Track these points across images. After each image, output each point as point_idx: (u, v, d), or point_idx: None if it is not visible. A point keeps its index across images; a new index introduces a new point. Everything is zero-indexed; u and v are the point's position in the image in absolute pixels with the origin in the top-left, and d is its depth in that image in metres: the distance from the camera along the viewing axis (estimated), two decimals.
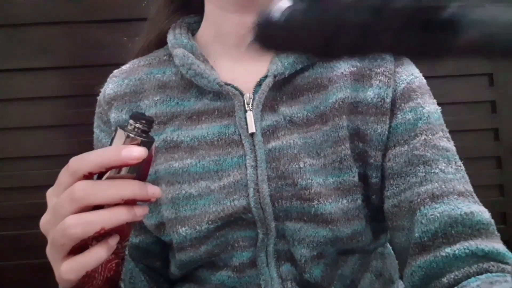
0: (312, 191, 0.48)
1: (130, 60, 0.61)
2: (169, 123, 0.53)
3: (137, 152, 0.34)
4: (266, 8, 0.25)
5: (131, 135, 0.35)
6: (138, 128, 0.36)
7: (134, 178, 0.36)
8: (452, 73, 1.29)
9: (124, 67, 0.60)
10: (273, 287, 0.50)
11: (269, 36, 0.25)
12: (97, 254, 0.35)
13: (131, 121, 0.36)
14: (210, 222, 0.49)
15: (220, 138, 0.51)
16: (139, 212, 0.36)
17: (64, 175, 0.35)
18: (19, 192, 1.21)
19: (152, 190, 0.36)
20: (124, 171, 0.35)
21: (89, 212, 0.34)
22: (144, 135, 0.36)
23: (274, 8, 0.25)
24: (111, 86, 0.57)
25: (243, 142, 0.50)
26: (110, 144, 0.36)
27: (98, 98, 0.59)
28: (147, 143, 0.36)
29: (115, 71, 0.60)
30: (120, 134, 0.36)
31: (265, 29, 0.25)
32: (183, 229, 0.50)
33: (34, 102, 1.22)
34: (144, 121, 0.36)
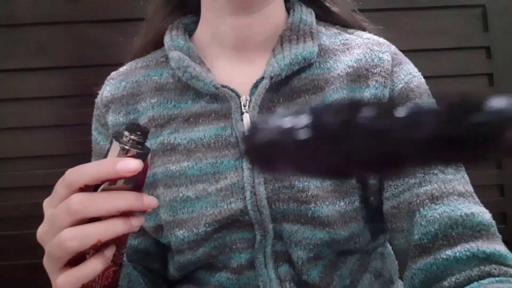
0: (309, 193, 0.48)
1: (128, 60, 0.61)
2: (166, 126, 0.53)
3: (132, 165, 0.34)
4: (262, 122, 0.22)
5: (126, 147, 0.35)
6: (133, 140, 0.35)
7: (130, 189, 0.36)
8: (452, 73, 1.29)
9: (121, 69, 0.60)
10: None
11: (264, 155, 0.22)
12: (94, 267, 0.36)
13: (126, 133, 0.35)
14: (207, 225, 0.49)
15: (217, 141, 0.51)
16: (135, 223, 0.36)
17: (60, 187, 0.35)
18: (19, 192, 1.21)
19: (148, 201, 0.37)
20: (119, 182, 0.35)
21: (86, 225, 0.35)
22: (139, 146, 0.36)
23: (270, 124, 0.21)
24: (108, 88, 0.57)
25: (240, 144, 0.50)
26: (106, 156, 0.36)
27: (96, 100, 0.59)
28: (142, 154, 0.36)
29: (112, 73, 0.60)
30: (115, 146, 0.35)
31: (259, 147, 0.22)
32: (181, 232, 0.50)
33: (34, 102, 1.22)
34: (139, 133, 0.35)
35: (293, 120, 0.21)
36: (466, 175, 0.48)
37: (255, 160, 0.23)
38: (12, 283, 1.22)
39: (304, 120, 0.20)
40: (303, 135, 0.20)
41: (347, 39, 0.55)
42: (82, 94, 1.18)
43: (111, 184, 0.35)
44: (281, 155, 0.21)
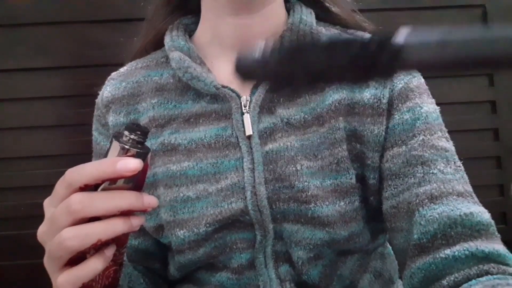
0: (309, 193, 0.48)
1: (128, 61, 0.61)
2: (167, 126, 0.53)
3: (132, 164, 0.34)
4: (247, 47, 0.29)
5: (126, 146, 0.35)
6: (133, 139, 0.36)
7: (130, 189, 0.36)
8: (452, 73, 1.29)
9: (122, 69, 0.60)
10: None
11: (250, 69, 0.30)
12: (94, 266, 0.36)
13: (126, 133, 0.36)
14: (208, 225, 0.49)
15: (217, 141, 0.51)
16: (135, 222, 0.36)
17: (60, 187, 0.35)
18: (19, 192, 1.22)
19: (148, 200, 0.37)
20: (120, 182, 0.35)
21: (86, 224, 0.35)
22: (139, 146, 0.36)
23: (254, 46, 0.29)
24: (108, 89, 0.57)
25: (240, 144, 0.50)
26: (106, 155, 0.36)
27: (96, 101, 0.59)
28: (142, 154, 0.36)
29: (112, 74, 0.60)
30: (115, 146, 0.35)
31: (245, 63, 0.30)
32: (181, 231, 0.50)
33: (34, 102, 1.22)
34: (139, 132, 0.36)
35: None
36: (465, 175, 0.48)
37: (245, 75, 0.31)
38: (12, 283, 1.23)
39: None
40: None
41: None
42: (82, 94, 1.18)
43: (111, 183, 0.35)
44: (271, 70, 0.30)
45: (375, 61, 0.26)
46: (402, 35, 0.25)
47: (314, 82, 0.33)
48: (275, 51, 0.29)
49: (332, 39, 0.28)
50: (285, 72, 0.29)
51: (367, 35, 0.27)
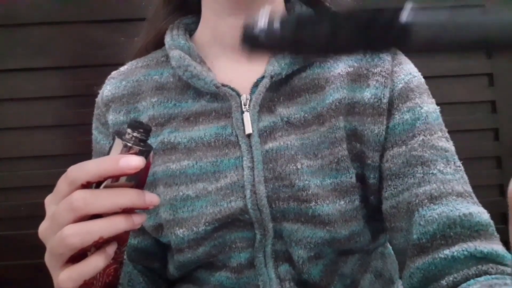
0: (310, 192, 0.48)
1: (129, 60, 0.61)
2: (167, 125, 0.53)
3: (134, 162, 0.34)
4: (254, 14, 0.30)
5: (128, 144, 0.35)
6: (136, 137, 0.36)
7: (132, 186, 0.36)
8: (452, 73, 1.29)
9: (122, 69, 0.60)
10: (271, 287, 0.50)
11: (257, 39, 0.30)
12: (95, 263, 0.36)
13: (129, 130, 0.36)
14: (207, 224, 0.49)
15: (217, 140, 0.51)
16: (137, 220, 0.36)
17: (62, 184, 0.35)
18: (19, 192, 1.22)
19: (150, 198, 0.37)
20: (122, 179, 0.36)
21: (87, 221, 0.35)
22: (142, 144, 0.36)
23: (260, 14, 0.30)
24: (108, 88, 0.57)
25: (240, 143, 0.50)
26: (108, 153, 0.36)
27: (96, 100, 0.59)
28: (144, 151, 0.36)
29: (113, 73, 0.60)
30: (118, 143, 0.36)
31: (253, 32, 0.30)
32: (181, 230, 0.50)
33: (34, 102, 1.22)
34: (141, 130, 0.36)
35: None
36: (465, 175, 0.48)
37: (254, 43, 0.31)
38: (12, 283, 1.23)
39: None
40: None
41: None
42: (82, 94, 1.18)
43: (113, 181, 0.35)
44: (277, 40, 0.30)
45: (383, 34, 0.26)
46: (408, 13, 0.25)
47: (322, 52, 0.34)
48: (284, 20, 0.29)
49: (338, 12, 0.29)
50: (295, 41, 0.29)
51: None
